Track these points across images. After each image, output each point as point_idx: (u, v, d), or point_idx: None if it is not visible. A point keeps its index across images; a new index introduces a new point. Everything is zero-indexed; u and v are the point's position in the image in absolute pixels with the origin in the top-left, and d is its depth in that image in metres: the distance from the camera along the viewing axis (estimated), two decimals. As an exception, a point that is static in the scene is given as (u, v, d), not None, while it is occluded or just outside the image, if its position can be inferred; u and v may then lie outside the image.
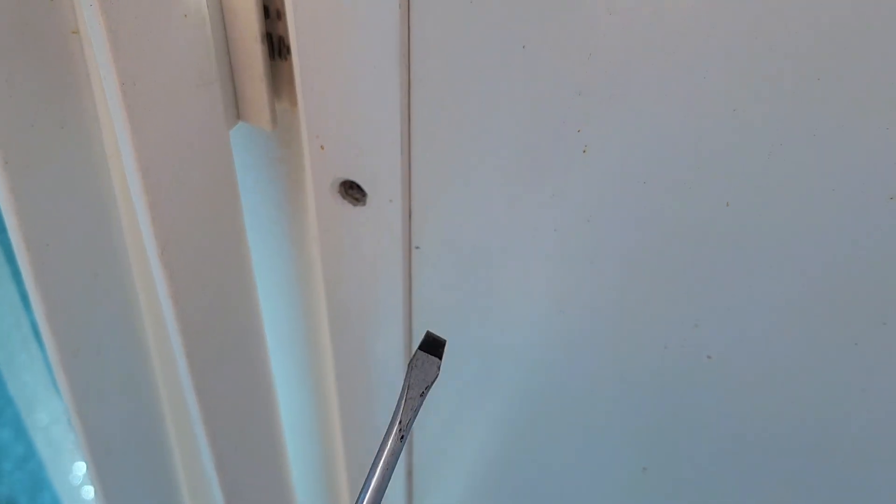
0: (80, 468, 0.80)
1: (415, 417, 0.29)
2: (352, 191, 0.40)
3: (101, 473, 0.49)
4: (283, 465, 0.55)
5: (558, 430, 0.44)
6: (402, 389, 0.29)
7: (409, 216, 0.39)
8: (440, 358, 0.29)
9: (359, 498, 0.28)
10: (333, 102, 0.36)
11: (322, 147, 0.38)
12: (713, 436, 0.39)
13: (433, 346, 0.30)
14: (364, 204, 0.39)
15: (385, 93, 0.34)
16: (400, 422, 0.29)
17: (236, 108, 0.39)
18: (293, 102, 0.41)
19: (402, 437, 0.29)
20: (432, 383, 0.29)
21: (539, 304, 0.39)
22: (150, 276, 0.46)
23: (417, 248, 0.40)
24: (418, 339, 0.44)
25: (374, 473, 0.28)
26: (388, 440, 0.28)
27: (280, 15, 0.37)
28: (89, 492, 0.79)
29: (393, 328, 0.44)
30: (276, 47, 0.38)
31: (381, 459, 0.28)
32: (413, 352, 0.29)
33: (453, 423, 0.48)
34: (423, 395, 0.29)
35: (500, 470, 0.49)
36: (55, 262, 0.40)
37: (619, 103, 0.31)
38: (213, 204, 0.37)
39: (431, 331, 0.30)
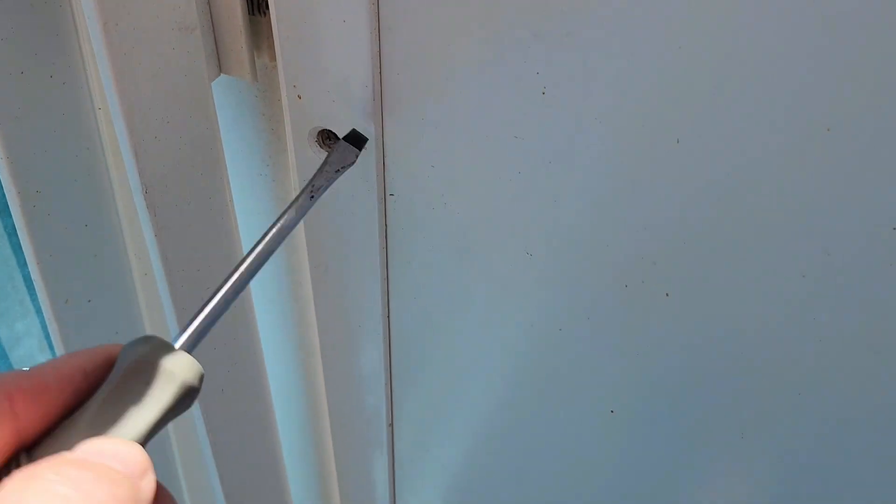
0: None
1: (326, 188, 0.36)
2: (329, 140, 0.42)
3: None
4: (267, 414, 0.57)
5: (529, 382, 0.46)
6: (322, 164, 0.37)
7: (384, 164, 0.41)
8: (360, 150, 0.38)
9: (263, 236, 0.32)
10: (308, 53, 0.38)
11: (299, 97, 0.40)
12: (676, 371, 0.41)
13: (356, 139, 0.38)
14: (356, 158, 0.41)
15: (356, 42, 0.36)
16: (313, 185, 0.36)
17: (218, 61, 0.41)
18: (273, 57, 0.42)
19: (312, 196, 0.35)
20: (349, 165, 0.37)
21: (506, 246, 0.41)
22: (139, 225, 0.47)
23: (392, 195, 0.42)
24: (397, 284, 0.46)
25: (277, 224, 0.33)
26: (298, 197, 0.34)
27: (258, -31, 0.39)
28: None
29: (369, 275, 0.46)
30: (256, 2, 0.40)
31: (286, 212, 0.33)
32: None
33: (433, 394, 0.50)
34: (337, 172, 0.37)
35: (476, 424, 0.51)
36: (46, 209, 0.42)
37: (574, 43, 0.32)
38: (197, 150, 0.39)
39: (357, 129, 0.38)
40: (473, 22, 0.33)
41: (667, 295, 0.38)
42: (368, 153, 0.40)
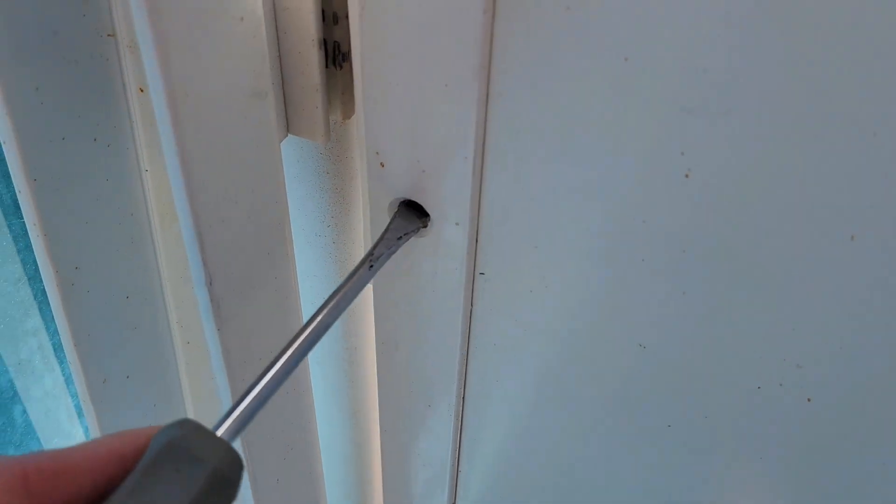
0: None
1: (387, 257, 0.33)
2: (410, 212, 0.37)
3: None
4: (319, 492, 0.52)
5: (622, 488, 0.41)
6: (383, 231, 0.34)
7: (477, 242, 0.36)
8: (427, 216, 0.34)
9: (318, 311, 0.29)
10: (399, 117, 0.32)
11: (382, 164, 0.34)
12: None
13: (420, 210, 0.35)
14: (425, 226, 0.36)
15: (460, 108, 0.31)
16: (373, 254, 0.33)
17: (286, 120, 0.35)
18: (346, 114, 0.37)
19: (371, 266, 0.32)
20: (412, 233, 0.34)
21: (617, 336, 0.35)
22: (184, 296, 0.42)
23: (482, 274, 0.37)
24: (477, 366, 0.40)
25: (340, 292, 0.30)
26: (359, 267, 0.32)
27: (337, 19, 0.34)
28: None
29: (447, 357, 0.41)
30: (331, 54, 0.34)
31: (349, 282, 0.30)
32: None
33: (507, 444, 0.45)
34: (399, 239, 0.34)
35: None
36: (85, 286, 0.37)
37: (731, 124, 0.27)
38: (263, 229, 0.34)
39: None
40: (606, 88, 0.28)
41: (808, 400, 0.33)
42: (460, 229, 0.35)
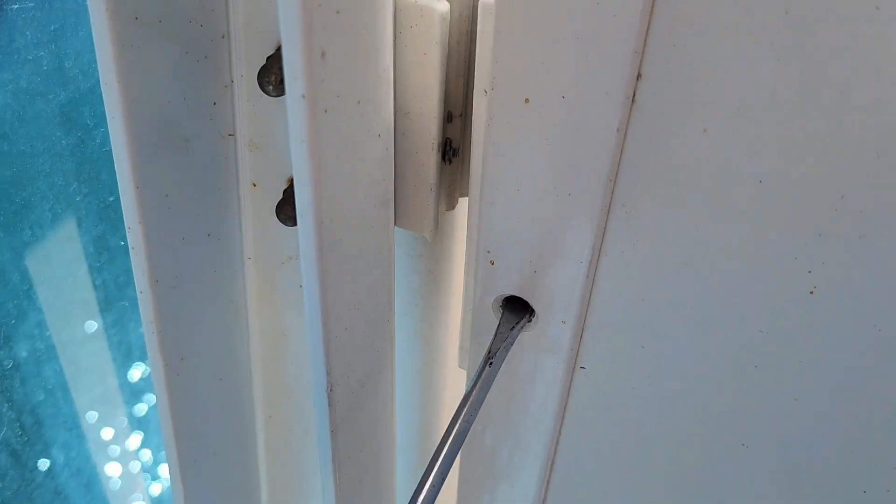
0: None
1: (505, 353, 0.33)
2: (513, 305, 0.37)
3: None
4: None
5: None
6: (496, 327, 0.34)
7: (581, 337, 0.36)
8: (529, 321, 0.34)
9: (454, 418, 0.29)
10: (516, 220, 0.33)
11: (492, 262, 0.35)
12: None
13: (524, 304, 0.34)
14: (529, 321, 0.36)
15: (581, 215, 0.31)
16: (490, 351, 0.33)
17: (394, 213, 0.36)
18: (449, 206, 0.37)
19: (491, 364, 0.33)
20: (525, 322, 0.34)
21: (723, 439, 0.35)
22: (271, 373, 0.42)
23: (583, 368, 0.37)
24: (563, 461, 0.40)
25: (470, 397, 0.31)
26: (482, 368, 0.32)
27: (451, 118, 0.34)
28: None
29: (537, 444, 0.41)
30: (443, 150, 0.35)
31: (475, 386, 0.31)
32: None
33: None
34: (512, 329, 0.34)
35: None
36: (188, 374, 0.37)
37: (865, 247, 0.27)
38: (376, 331, 0.34)
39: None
40: (736, 208, 0.28)
41: None
42: (566, 326, 0.35)
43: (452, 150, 0.35)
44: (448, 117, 0.34)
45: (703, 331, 0.32)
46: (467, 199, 0.37)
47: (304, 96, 0.22)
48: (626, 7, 0.25)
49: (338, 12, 0.22)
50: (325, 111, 0.23)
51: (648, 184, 0.29)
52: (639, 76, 0.27)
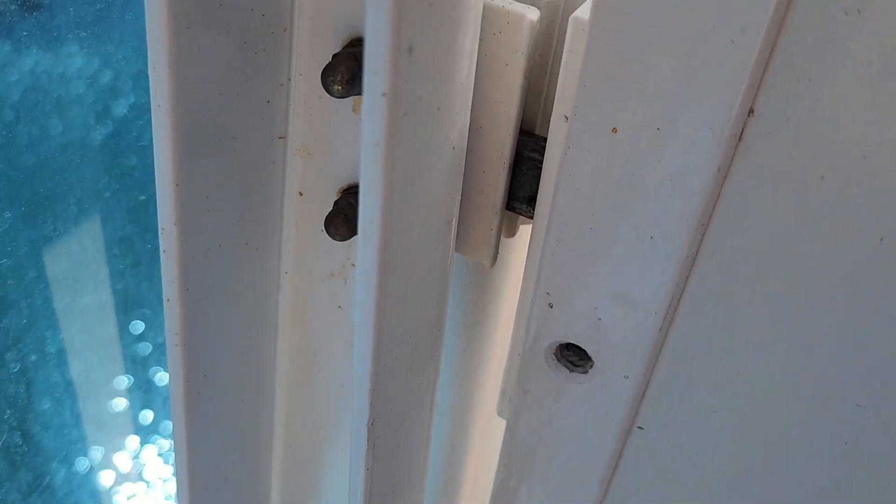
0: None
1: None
2: (568, 353, 0.33)
3: None
4: None
5: None
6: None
7: (643, 396, 0.32)
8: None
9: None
10: (584, 261, 0.29)
11: (551, 305, 0.31)
12: None
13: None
14: (584, 371, 0.33)
15: (662, 262, 0.28)
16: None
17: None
18: (509, 233, 0.34)
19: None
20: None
21: (796, 526, 0.31)
22: (296, 400, 0.39)
23: (641, 428, 0.33)
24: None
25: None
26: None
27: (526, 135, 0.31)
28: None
29: (587, 492, 0.37)
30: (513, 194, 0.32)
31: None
32: None
33: None
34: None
35: None
36: (209, 393, 0.34)
37: None
38: (422, 356, 0.31)
39: None
40: (852, 267, 0.25)
41: None
42: (629, 382, 0.32)
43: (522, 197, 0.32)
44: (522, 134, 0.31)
45: (789, 402, 0.29)
46: (529, 226, 0.34)
47: (384, 94, 0.19)
48: (748, 32, 0.22)
49: (430, 5, 0.19)
50: (405, 114, 0.20)
51: (746, 233, 0.26)
52: (751, 112, 0.24)
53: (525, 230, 0.36)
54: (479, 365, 0.40)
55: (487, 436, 0.44)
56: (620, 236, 0.28)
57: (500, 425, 0.38)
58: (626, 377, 0.31)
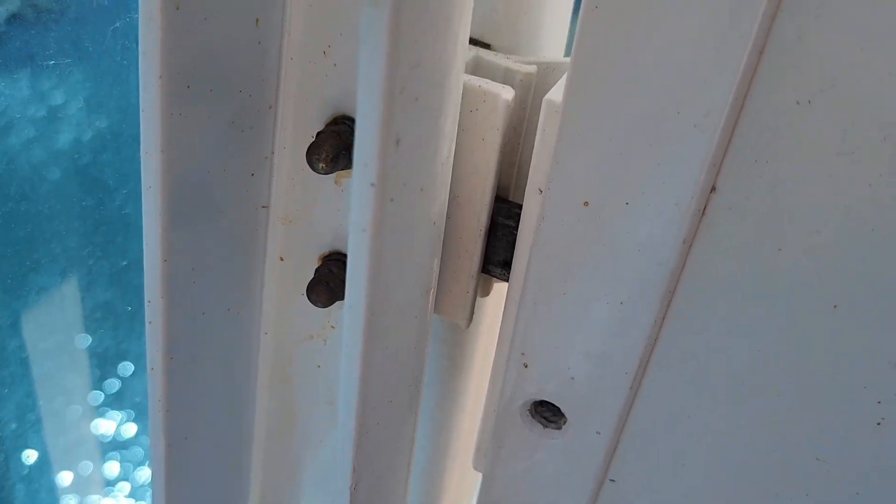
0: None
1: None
2: (542, 409, 0.34)
3: None
4: None
5: None
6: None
7: (615, 451, 0.33)
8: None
9: None
10: (557, 325, 0.31)
11: (526, 366, 0.32)
12: None
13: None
14: (558, 427, 0.34)
15: (631, 327, 0.29)
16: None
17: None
18: (484, 292, 0.35)
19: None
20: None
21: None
22: (269, 465, 0.40)
23: (612, 480, 0.35)
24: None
25: None
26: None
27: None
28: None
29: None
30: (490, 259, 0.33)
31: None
32: None
33: None
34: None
35: None
36: (188, 454, 0.34)
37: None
38: (403, 419, 0.31)
39: None
40: (806, 332, 0.27)
41: None
42: (601, 438, 0.33)
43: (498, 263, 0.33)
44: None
45: (753, 455, 0.30)
46: (504, 284, 0.35)
47: (373, 185, 0.20)
48: (710, 118, 0.24)
49: (416, 99, 0.21)
50: (392, 200, 0.21)
51: (710, 299, 0.28)
52: (713, 189, 0.26)
53: (499, 288, 0.37)
54: (453, 420, 0.41)
55: (462, 491, 0.44)
56: (593, 301, 0.29)
57: (476, 480, 0.39)
58: (599, 433, 0.33)
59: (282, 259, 0.33)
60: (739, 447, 0.31)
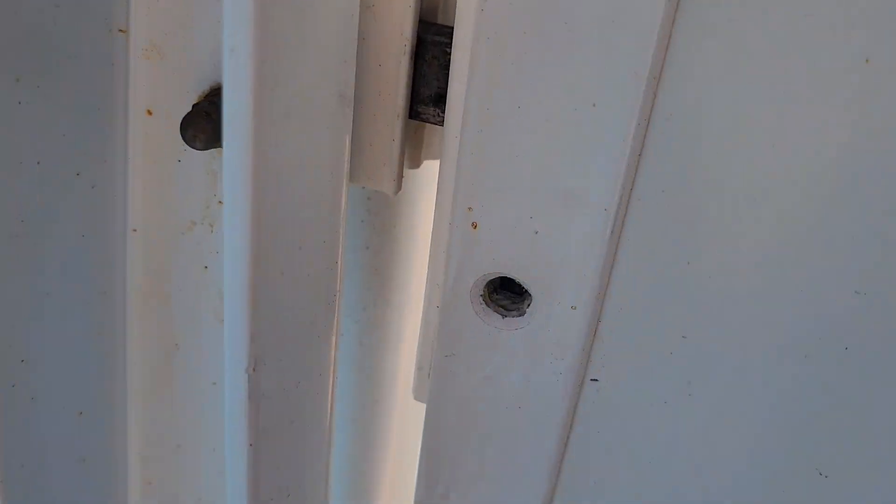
0: None
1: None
2: (499, 297, 0.27)
3: None
4: None
5: None
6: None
7: (595, 331, 0.26)
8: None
9: None
10: (511, 155, 0.24)
11: (475, 225, 0.25)
12: None
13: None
14: (520, 313, 0.27)
15: (607, 140, 0.23)
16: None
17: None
18: (418, 163, 0.28)
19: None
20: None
21: (794, 471, 0.26)
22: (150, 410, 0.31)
23: (595, 380, 0.27)
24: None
25: None
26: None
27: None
28: None
29: (534, 484, 0.30)
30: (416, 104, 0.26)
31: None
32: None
33: None
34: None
35: None
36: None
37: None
38: (314, 293, 0.24)
39: None
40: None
41: None
42: (577, 314, 0.26)
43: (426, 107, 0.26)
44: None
45: (766, 318, 0.24)
46: (437, 161, 0.28)
47: None
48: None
49: None
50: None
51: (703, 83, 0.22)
52: None
53: (431, 166, 0.30)
54: (384, 344, 0.33)
55: (405, 433, 0.36)
56: (557, 110, 0.23)
57: (418, 418, 0.31)
58: (575, 307, 0.26)
59: (149, 113, 0.25)
60: (760, 303, 0.24)
